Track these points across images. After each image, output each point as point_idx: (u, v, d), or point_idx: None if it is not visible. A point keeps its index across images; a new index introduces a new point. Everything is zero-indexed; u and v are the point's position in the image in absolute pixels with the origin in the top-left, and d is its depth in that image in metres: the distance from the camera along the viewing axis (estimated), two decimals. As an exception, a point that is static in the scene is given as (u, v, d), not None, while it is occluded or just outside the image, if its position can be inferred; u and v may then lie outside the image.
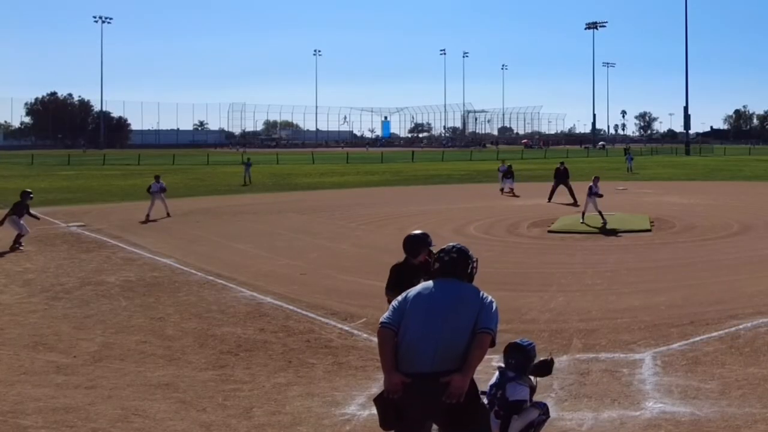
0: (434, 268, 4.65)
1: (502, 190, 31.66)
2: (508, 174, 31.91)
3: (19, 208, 16.99)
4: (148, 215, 21.78)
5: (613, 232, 17.69)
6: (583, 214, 19.66)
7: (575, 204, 25.59)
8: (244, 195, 31.81)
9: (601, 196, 19.62)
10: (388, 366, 4.27)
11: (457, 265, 4.58)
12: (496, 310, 4.41)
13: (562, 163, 29.28)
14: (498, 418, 5.21)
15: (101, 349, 8.52)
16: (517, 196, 29.49)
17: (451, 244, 4.78)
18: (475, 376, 4.30)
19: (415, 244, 6.54)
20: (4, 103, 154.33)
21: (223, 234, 18.54)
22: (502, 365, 5.46)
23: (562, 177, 27.85)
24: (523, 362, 5.41)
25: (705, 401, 6.68)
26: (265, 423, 6.32)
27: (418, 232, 6.77)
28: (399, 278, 6.36)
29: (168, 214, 22.42)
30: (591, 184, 19.85)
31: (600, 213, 19.35)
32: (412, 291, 4.52)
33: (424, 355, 4.18)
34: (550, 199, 27.04)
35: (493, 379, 5.42)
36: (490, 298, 4.45)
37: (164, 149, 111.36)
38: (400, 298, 4.52)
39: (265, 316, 10.02)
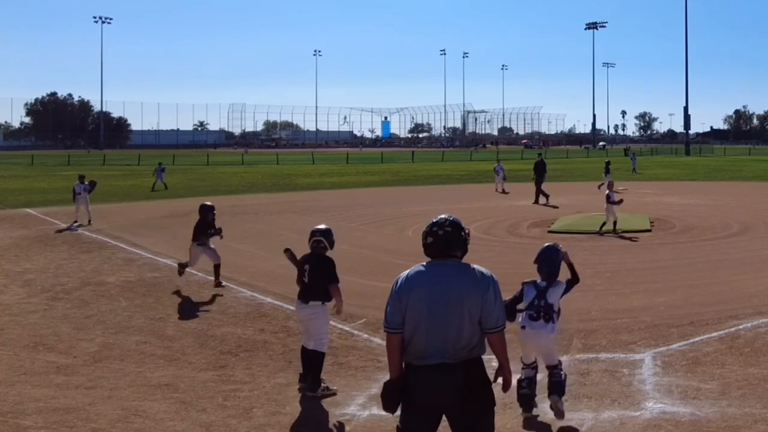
0: (427, 242, 4.37)
1: (499, 189, 31.69)
2: (607, 170, 31.07)
3: (202, 229, 12.19)
4: (75, 220, 20.59)
5: (612, 233, 17.65)
6: (604, 223, 17.76)
7: (537, 202, 25.38)
8: (245, 195, 31.82)
9: (615, 202, 17.76)
10: (392, 372, 4.32)
11: (452, 239, 4.33)
12: (498, 293, 4.26)
13: (540, 155, 28.71)
14: (534, 320, 6.25)
15: (101, 349, 8.52)
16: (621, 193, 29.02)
17: (443, 216, 4.43)
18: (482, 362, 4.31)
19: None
20: (4, 103, 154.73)
21: (223, 234, 18.50)
22: (528, 280, 6.43)
23: (540, 170, 26.72)
24: (554, 269, 6.40)
25: (705, 401, 6.68)
26: (265, 423, 6.33)
27: (321, 226, 7.47)
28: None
29: (89, 221, 20.57)
30: (608, 192, 18.12)
31: (614, 222, 17.79)
32: (407, 283, 4.27)
33: (433, 351, 4.16)
34: (537, 199, 25.98)
35: (531, 294, 6.32)
36: (488, 282, 4.24)
37: (164, 149, 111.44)
38: (394, 289, 4.31)
39: (265, 317, 10.03)
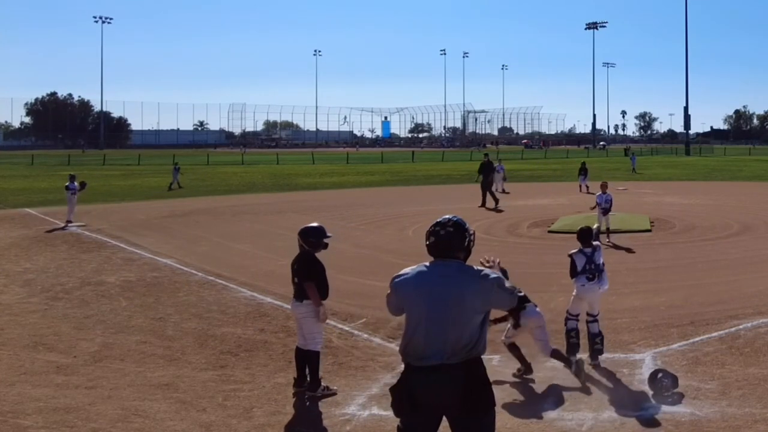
0: (428, 242, 4.36)
1: (500, 189, 31.62)
2: (582, 171, 31.55)
3: None
4: (69, 219, 20.27)
5: (610, 234, 17.61)
6: (598, 229, 15.96)
7: (484, 205, 24.42)
8: (245, 195, 31.82)
9: (606, 210, 16.90)
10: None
11: (453, 239, 4.32)
12: (503, 286, 4.26)
13: (486, 155, 28.05)
14: (591, 281, 7.94)
15: (101, 349, 8.52)
16: (593, 193, 28.30)
17: (447, 216, 4.42)
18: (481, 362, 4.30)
19: (316, 235, 7.22)
20: (4, 103, 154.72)
21: (223, 234, 18.54)
22: (574, 250, 8.08)
23: (486, 171, 25.62)
24: (590, 237, 8.12)
25: (705, 401, 6.68)
26: (265, 423, 6.33)
27: (310, 224, 7.42)
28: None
29: (70, 221, 20.23)
30: (599, 192, 17.19)
31: (607, 230, 16.82)
32: (406, 282, 4.26)
33: (432, 351, 4.14)
34: (484, 202, 24.74)
35: (581, 261, 7.96)
36: (492, 282, 4.22)
37: (164, 149, 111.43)
38: (393, 286, 4.30)
39: (265, 316, 10.03)
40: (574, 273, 7.99)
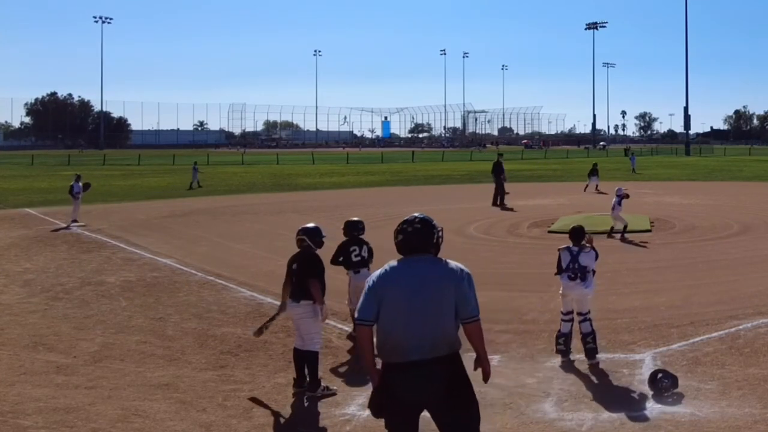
0: (397, 240, 4.43)
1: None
2: (593, 172, 31.77)
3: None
4: (74, 219, 20.34)
5: (614, 234, 17.60)
6: (616, 229, 17.21)
7: (498, 205, 24.49)
8: (245, 195, 31.81)
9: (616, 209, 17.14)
10: (369, 366, 4.39)
11: (421, 236, 4.38)
12: (472, 286, 4.33)
13: (500, 155, 28.17)
14: (572, 280, 7.95)
15: (101, 349, 8.52)
16: (604, 193, 27.77)
17: (414, 214, 4.54)
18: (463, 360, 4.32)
19: (320, 234, 7.49)
20: (4, 103, 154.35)
21: (223, 234, 18.54)
22: (563, 246, 8.13)
23: (498, 171, 25.72)
24: (581, 237, 8.07)
25: (705, 401, 6.68)
26: (265, 423, 6.33)
27: (308, 225, 7.62)
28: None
29: (74, 220, 20.38)
30: (616, 198, 17.28)
31: (623, 229, 17.14)
32: (382, 278, 4.30)
33: (413, 347, 4.18)
34: (495, 201, 25.08)
35: (566, 259, 7.98)
36: (463, 274, 4.31)
37: (164, 149, 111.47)
38: (369, 284, 4.33)
39: (265, 317, 9.97)
40: (559, 269, 8.09)
